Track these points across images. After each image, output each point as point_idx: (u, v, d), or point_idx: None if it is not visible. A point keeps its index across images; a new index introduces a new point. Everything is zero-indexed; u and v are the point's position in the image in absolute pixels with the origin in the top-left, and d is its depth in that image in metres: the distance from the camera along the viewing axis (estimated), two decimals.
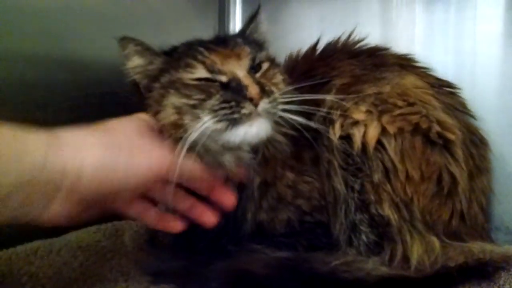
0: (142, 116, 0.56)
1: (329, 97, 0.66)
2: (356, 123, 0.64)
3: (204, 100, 0.56)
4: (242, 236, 0.65)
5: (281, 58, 0.80)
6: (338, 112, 0.66)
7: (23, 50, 0.73)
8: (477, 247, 0.63)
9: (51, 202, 0.40)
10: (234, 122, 0.54)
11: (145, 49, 0.63)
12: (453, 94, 0.77)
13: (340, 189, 0.64)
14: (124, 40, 0.62)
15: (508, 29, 0.83)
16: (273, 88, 0.59)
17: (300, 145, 0.66)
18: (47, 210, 0.40)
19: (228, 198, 0.59)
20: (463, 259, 0.60)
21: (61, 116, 0.79)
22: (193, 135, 0.52)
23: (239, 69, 0.59)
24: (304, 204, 0.66)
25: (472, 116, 0.76)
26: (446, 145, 0.65)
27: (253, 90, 0.54)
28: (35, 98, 0.75)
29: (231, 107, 0.54)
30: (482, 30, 0.85)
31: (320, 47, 0.82)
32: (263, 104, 0.55)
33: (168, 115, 0.57)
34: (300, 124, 0.60)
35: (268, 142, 0.62)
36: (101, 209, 0.48)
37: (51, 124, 0.73)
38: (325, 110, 0.67)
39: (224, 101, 0.54)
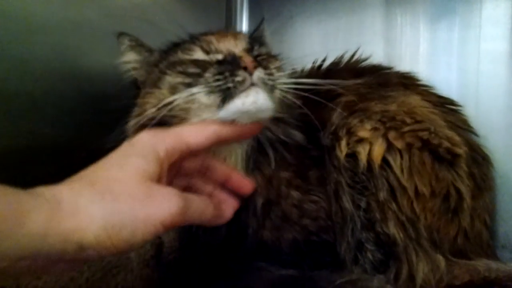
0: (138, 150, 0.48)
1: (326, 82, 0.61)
2: (361, 140, 0.64)
3: (199, 75, 0.55)
4: (244, 252, 0.65)
5: None
6: (344, 130, 0.66)
7: (32, 69, 0.74)
8: (483, 265, 0.63)
9: (55, 265, 0.39)
10: (228, 94, 0.52)
11: (139, 45, 0.66)
12: (455, 111, 0.77)
13: (348, 208, 0.64)
14: (121, 36, 0.66)
15: None
16: (274, 69, 0.57)
17: (306, 164, 0.66)
18: (51, 269, 0.40)
19: (245, 183, 0.57)
20: (469, 278, 0.61)
21: (69, 132, 0.80)
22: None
23: (235, 48, 0.59)
24: (310, 224, 0.65)
25: (474, 133, 0.77)
26: (453, 161, 0.65)
27: (247, 59, 0.53)
28: (44, 114, 0.76)
29: (225, 78, 0.52)
30: (486, 49, 0.86)
31: (325, 66, 0.83)
32: (258, 73, 0.53)
33: (162, 94, 0.57)
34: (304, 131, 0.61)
35: (274, 151, 0.62)
36: None
37: (58, 140, 0.76)
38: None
39: (218, 73, 0.53)
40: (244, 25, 1.21)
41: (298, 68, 0.85)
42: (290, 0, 1.11)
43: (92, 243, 0.39)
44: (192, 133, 0.51)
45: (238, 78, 0.52)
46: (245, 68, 0.52)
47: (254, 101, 0.52)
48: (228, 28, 1.18)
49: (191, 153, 0.52)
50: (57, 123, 0.78)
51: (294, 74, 0.83)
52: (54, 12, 0.77)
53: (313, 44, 1.08)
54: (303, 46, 1.09)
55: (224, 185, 0.57)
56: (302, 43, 1.09)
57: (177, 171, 0.52)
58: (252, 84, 0.52)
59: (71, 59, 0.81)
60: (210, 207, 0.50)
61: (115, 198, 0.41)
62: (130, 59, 0.67)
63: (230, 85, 0.52)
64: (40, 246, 0.36)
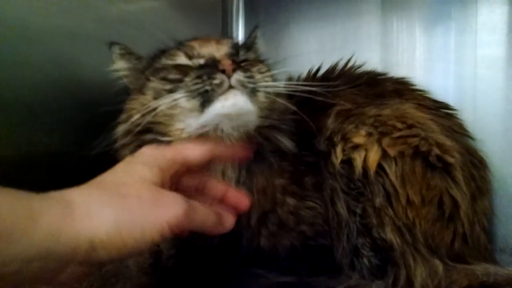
0: (145, 159, 0.51)
1: (315, 89, 0.60)
2: (356, 147, 0.64)
3: (180, 81, 0.55)
4: (239, 259, 0.64)
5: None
6: (339, 136, 0.66)
7: (30, 78, 0.74)
8: (481, 269, 0.63)
9: (64, 269, 0.40)
10: (207, 98, 0.52)
11: (128, 53, 0.68)
12: (450, 115, 0.78)
13: (343, 214, 0.64)
14: (112, 45, 0.68)
15: (509, 53, 0.83)
16: (255, 72, 0.56)
17: (301, 170, 0.66)
18: (59, 275, 0.40)
19: (242, 200, 0.57)
20: (467, 282, 0.60)
21: (67, 141, 0.80)
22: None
23: (217, 52, 0.59)
24: (307, 229, 0.65)
25: (471, 137, 0.77)
26: (446, 168, 0.64)
27: (225, 62, 0.53)
28: (41, 123, 0.76)
29: (203, 81, 0.52)
30: (482, 54, 0.86)
31: (320, 73, 0.83)
32: (237, 76, 0.52)
33: (146, 100, 0.57)
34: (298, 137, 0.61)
35: (268, 158, 0.62)
36: None
37: (55, 149, 0.76)
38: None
39: (197, 77, 0.53)
40: (240, 32, 1.21)
41: (295, 74, 0.86)
42: (286, 6, 1.12)
43: (104, 242, 0.40)
44: (189, 149, 0.54)
45: (216, 81, 0.52)
46: (223, 71, 0.52)
47: (233, 103, 0.52)
48: (224, 35, 1.19)
49: (188, 168, 0.54)
50: (54, 131, 0.79)
51: (290, 81, 0.84)
52: (51, 22, 0.78)
53: (309, 50, 1.08)
54: (299, 52, 1.09)
55: (222, 201, 0.58)
56: (299, 50, 1.10)
57: (176, 188, 0.53)
58: (231, 87, 0.52)
59: (68, 68, 0.82)
60: (212, 215, 0.52)
61: (125, 199, 0.44)
62: (120, 67, 0.68)
63: (208, 88, 0.52)
64: (53, 245, 0.37)
